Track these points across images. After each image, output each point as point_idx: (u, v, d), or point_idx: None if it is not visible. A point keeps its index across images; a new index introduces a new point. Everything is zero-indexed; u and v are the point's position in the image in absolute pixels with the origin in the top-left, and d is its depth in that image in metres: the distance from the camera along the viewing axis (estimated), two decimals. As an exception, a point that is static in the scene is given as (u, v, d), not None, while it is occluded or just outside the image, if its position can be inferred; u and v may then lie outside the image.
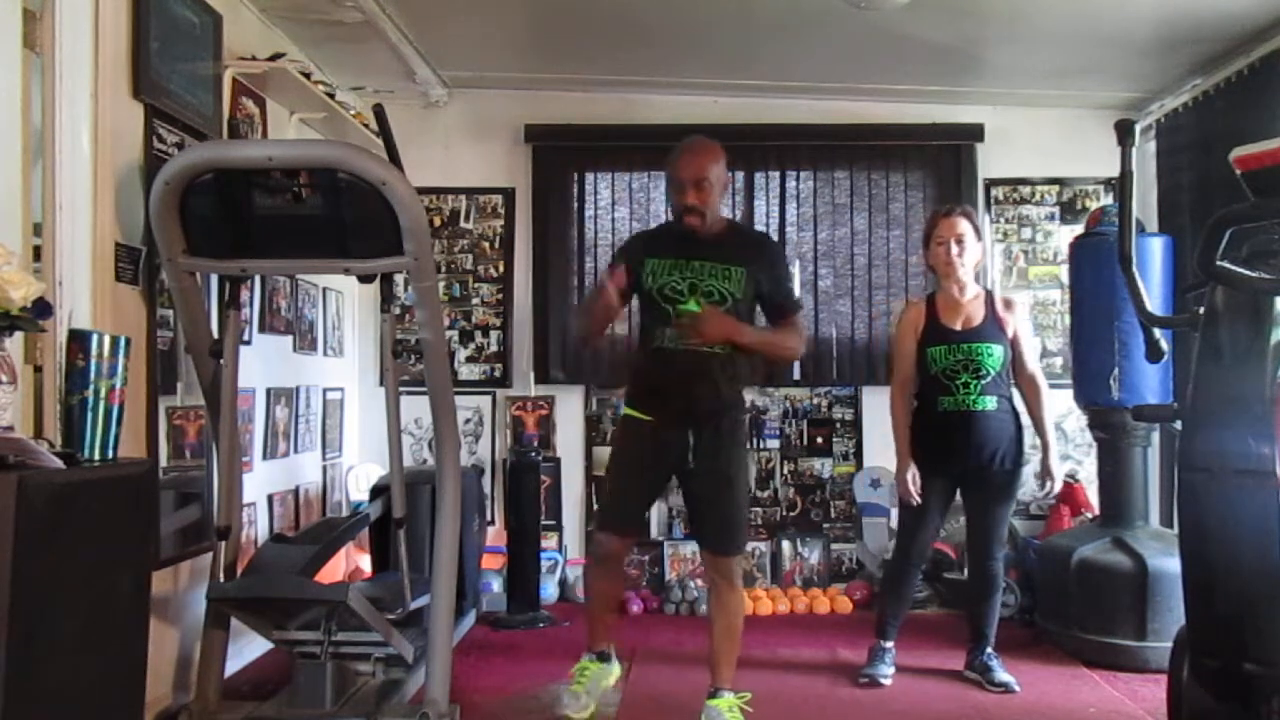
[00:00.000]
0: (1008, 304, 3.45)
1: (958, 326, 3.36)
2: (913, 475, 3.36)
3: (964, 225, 3.36)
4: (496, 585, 4.48)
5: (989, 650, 3.43)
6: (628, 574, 4.74)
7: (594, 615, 3.15)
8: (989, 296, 3.45)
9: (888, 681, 3.38)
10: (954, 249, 3.34)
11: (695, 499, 3.06)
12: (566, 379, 4.90)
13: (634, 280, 2.94)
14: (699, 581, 4.62)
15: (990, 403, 3.32)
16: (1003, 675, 3.35)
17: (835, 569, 4.83)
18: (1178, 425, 2.35)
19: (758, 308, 3.04)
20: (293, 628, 2.81)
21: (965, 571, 3.69)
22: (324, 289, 4.43)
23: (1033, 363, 3.47)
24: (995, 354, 3.33)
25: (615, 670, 3.16)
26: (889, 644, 3.49)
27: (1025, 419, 3.49)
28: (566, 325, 4.83)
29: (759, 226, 4.91)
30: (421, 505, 3.49)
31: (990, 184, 4.94)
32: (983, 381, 3.31)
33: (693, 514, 3.19)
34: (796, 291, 3.07)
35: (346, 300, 4.72)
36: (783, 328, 3.01)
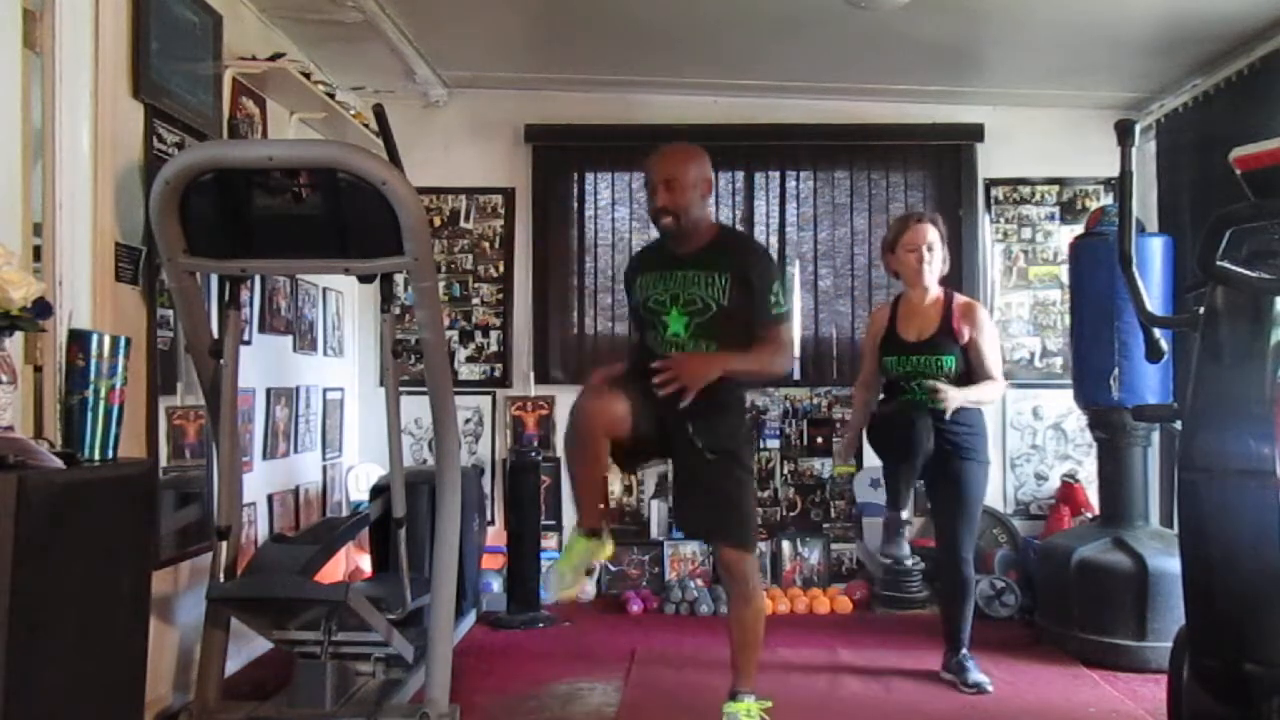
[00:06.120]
0: (966, 311, 3.39)
1: (911, 338, 3.38)
2: (849, 439, 3.50)
3: (933, 233, 3.39)
4: (496, 585, 4.48)
5: (964, 651, 3.43)
6: (627, 574, 4.76)
7: (580, 496, 2.84)
8: (948, 302, 3.40)
9: (910, 560, 3.51)
10: (925, 255, 3.36)
11: (688, 475, 2.84)
12: (566, 379, 4.90)
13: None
14: (699, 581, 4.63)
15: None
16: (976, 675, 3.34)
17: (835, 569, 4.83)
18: (1178, 425, 2.35)
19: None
20: (293, 628, 2.81)
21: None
22: (324, 289, 4.43)
23: (994, 369, 3.37)
24: (945, 364, 3.33)
25: (608, 546, 2.86)
26: (906, 515, 3.41)
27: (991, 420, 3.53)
28: (565, 326, 4.86)
29: (759, 226, 4.93)
30: (421, 505, 3.48)
31: (990, 184, 4.95)
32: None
33: (687, 500, 2.91)
34: (785, 301, 2.88)
35: (346, 300, 4.72)
36: (761, 344, 2.82)
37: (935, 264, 3.39)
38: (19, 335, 2.11)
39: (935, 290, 3.43)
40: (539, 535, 4.46)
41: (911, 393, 3.36)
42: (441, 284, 4.80)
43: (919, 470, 3.36)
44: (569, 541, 2.87)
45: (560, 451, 2.96)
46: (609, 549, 2.89)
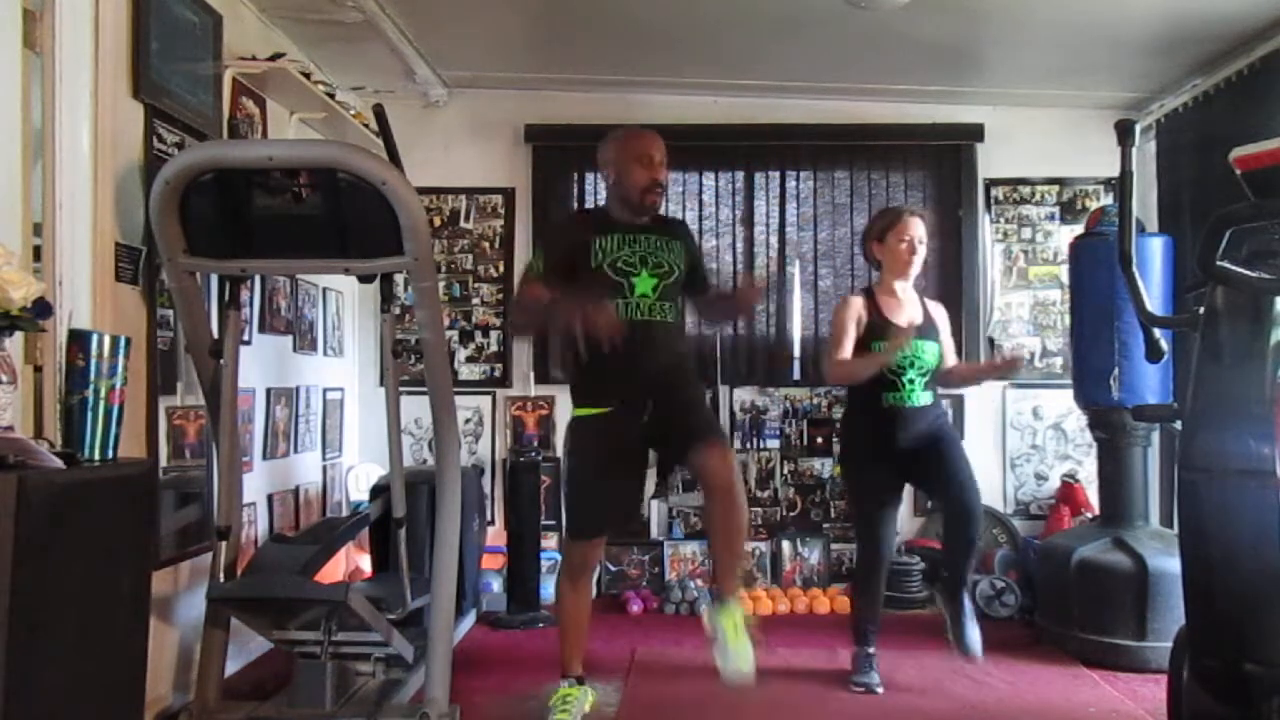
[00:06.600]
0: (937, 309, 3.54)
1: (903, 323, 3.36)
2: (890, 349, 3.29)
3: (923, 229, 3.41)
4: (496, 585, 4.48)
5: (968, 607, 3.36)
6: (627, 574, 4.76)
7: (571, 638, 3.08)
8: (922, 298, 3.51)
9: (881, 690, 3.36)
10: (916, 248, 3.38)
11: (665, 426, 2.91)
12: (566, 379, 4.89)
13: (573, 265, 2.93)
14: (699, 581, 4.63)
15: (929, 398, 3.37)
16: (972, 635, 3.30)
17: (835, 569, 4.83)
18: (1178, 425, 2.35)
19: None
20: (293, 628, 2.80)
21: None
22: (324, 289, 4.43)
23: (953, 356, 3.60)
24: (935, 352, 3.40)
25: (592, 695, 3.11)
26: (871, 649, 3.45)
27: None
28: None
29: (759, 226, 4.94)
30: (421, 505, 3.49)
31: (990, 184, 4.95)
32: (925, 378, 3.35)
33: (670, 444, 2.99)
34: None
35: (346, 300, 4.73)
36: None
37: (920, 258, 3.42)
38: (19, 335, 2.11)
39: (910, 287, 3.47)
40: (539, 535, 4.46)
41: (899, 389, 3.31)
42: (441, 284, 4.80)
43: (895, 540, 3.53)
44: (554, 700, 2.99)
45: (554, 585, 3.37)
46: (593, 696, 3.11)
